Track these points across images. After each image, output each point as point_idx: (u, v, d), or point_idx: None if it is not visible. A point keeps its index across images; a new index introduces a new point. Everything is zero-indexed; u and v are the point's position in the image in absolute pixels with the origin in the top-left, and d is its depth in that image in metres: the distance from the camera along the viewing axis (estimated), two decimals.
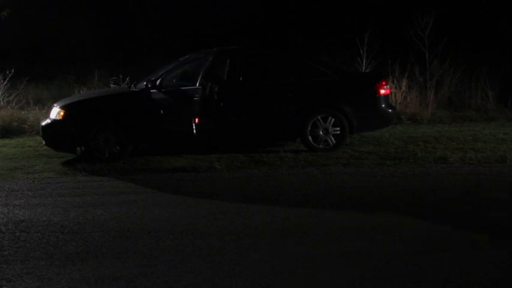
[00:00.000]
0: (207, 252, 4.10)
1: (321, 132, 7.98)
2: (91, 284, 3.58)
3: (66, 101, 8.23)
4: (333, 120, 7.99)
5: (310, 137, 7.97)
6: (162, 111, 7.64)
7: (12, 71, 11.27)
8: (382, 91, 8.20)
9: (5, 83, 11.36)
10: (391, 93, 11.22)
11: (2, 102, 11.26)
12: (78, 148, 7.71)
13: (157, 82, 7.72)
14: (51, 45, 19.63)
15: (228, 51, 8.42)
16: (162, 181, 6.49)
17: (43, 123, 7.90)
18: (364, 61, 12.63)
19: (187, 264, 3.87)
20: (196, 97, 7.68)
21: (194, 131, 7.68)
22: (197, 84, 7.78)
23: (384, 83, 8.31)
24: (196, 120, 7.68)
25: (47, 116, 8.17)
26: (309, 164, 7.15)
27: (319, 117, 7.99)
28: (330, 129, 7.99)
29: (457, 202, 5.42)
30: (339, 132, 8.00)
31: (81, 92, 11.76)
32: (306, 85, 8.10)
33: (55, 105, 8.05)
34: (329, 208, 5.25)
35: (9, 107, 11.09)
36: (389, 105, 8.52)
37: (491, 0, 17.24)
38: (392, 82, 12.13)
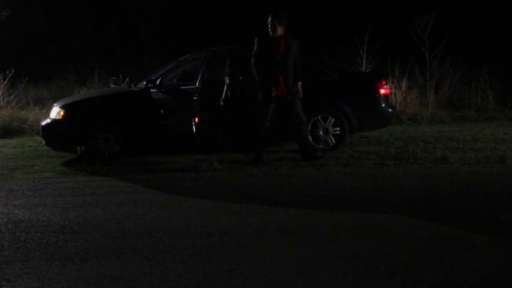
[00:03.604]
0: (207, 252, 4.10)
1: (321, 132, 7.98)
2: (91, 284, 3.58)
3: (66, 100, 8.22)
4: (333, 120, 7.99)
5: (310, 137, 7.96)
6: (162, 111, 7.65)
7: (12, 71, 11.27)
8: (382, 91, 8.21)
9: (5, 83, 11.36)
10: (391, 93, 11.22)
11: (2, 102, 11.26)
12: (78, 148, 7.71)
13: (158, 82, 7.73)
14: (51, 45, 19.63)
15: (228, 51, 8.41)
16: (162, 181, 6.49)
17: (43, 123, 7.90)
18: (364, 61, 12.63)
19: (187, 264, 3.87)
20: (196, 96, 7.68)
21: (194, 130, 7.68)
22: (197, 84, 7.78)
23: (383, 82, 8.32)
24: (196, 119, 7.68)
25: (47, 116, 8.17)
26: (309, 164, 7.15)
27: (319, 117, 7.99)
28: (330, 129, 7.99)
29: (457, 202, 5.42)
30: (338, 132, 8.01)
31: (81, 92, 11.77)
32: (305, 85, 8.09)
33: (55, 105, 8.05)
34: (329, 208, 5.25)
35: (9, 107, 11.09)
36: (389, 105, 8.52)
37: (492, 0, 17.24)
38: (392, 82, 12.13)
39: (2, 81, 11.35)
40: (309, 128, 7.94)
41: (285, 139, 8.40)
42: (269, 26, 7.24)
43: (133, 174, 6.81)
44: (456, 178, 6.41)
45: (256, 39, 7.28)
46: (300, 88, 7.31)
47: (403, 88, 12.25)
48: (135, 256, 4.04)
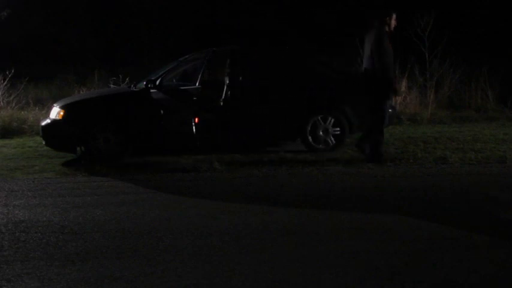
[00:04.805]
0: (207, 252, 4.10)
1: (321, 133, 7.98)
2: (91, 284, 3.58)
3: (66, 101, 8.22)
4: (333, 120, 7.99)
5: (310, 137, 7.97)
6: (162, 111, 7.65)
7: (12, 71, 11.27)
8: None
9: (5, 83, 11.37)
10: None
11: (2, 103, 11.26)
12: (78, 148, 7.71)
13: (157, 82, 7.73)
14: (51, 45, 19.64)
15: (228, 51, 8.42)
16: (162, 181, 6.49)
17: (43, 124, 7.90)
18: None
19: (187, 264, 3.87)
20: (196, 97, 7.68)
21: (194, 130, 7.68)
22: (197, 84, 7.78)
23: None
24: (196, 120, 7.68)
25: (47, 116, 8.17)
26: (309, 164, 7.15)
27: (319, 118, 7.99)
28: (329, 130, 8.00)
29: (457, 202, 5.42)
30: (338, 132, 8.01)
31: (81, 92, 11.77)
32: (305, 85, 8.09)
33: (55, 105, 8.05)
34: (329, 208, 5.25)
35: (9, 107, 11.09)
36: (389, 105, 8.51)
37: (492, 0, 17.24)
38: None
39: (2, 81, 11.35)
40: (309, 128, 7.95)
41: (285, 139, 8.40)
42: (394, 22, 7.40)
43: (133, 174, 6.81)
44: (456, 178, 6.41)
45: (379, 38, 7.19)
46: None
47: (403, 88, 12.24)
48: (135, 256, 4.04)
